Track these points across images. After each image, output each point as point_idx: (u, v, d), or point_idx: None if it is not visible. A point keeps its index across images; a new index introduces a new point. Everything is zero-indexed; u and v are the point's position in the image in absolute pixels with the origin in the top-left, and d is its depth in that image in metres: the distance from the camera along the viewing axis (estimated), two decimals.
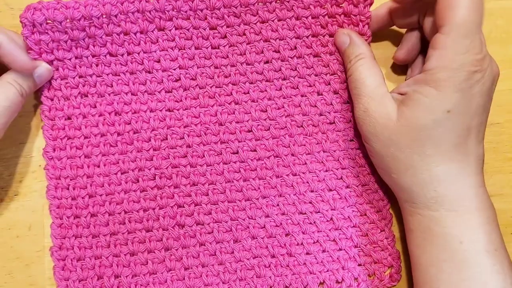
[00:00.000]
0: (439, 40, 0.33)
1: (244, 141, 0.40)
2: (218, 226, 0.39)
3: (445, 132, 0.33)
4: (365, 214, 0.40)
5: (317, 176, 0.40)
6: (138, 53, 0.39)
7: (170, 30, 0.39)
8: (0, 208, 0.39)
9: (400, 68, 0.42)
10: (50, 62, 0.38)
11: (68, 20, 0.37)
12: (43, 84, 0.38)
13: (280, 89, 0.40)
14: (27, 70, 0.37)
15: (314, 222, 0.40)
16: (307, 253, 0.40)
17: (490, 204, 0.35)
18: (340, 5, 0.39)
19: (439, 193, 0.34)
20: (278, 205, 0.40)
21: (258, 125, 0.40)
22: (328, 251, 0.40)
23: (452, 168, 0.34)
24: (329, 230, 0.40)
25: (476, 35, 0.32)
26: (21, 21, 0.36)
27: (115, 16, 0.38)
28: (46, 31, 0.37)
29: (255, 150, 0.40)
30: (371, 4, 0.39)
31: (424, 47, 0.40)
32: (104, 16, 0.37)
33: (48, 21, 0.37)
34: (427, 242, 0.35)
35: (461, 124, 0.33)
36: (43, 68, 0.38)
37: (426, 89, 0.33)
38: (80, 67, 0.39)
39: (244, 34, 0.40)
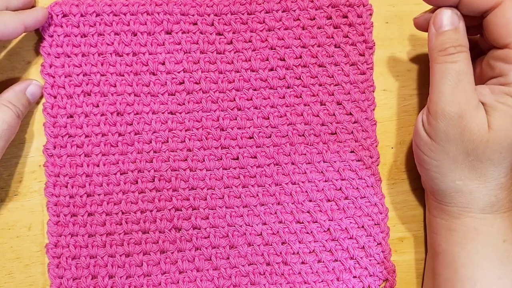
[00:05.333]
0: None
1: (245, 148, 0.40)
2: (215, 231, 0.39)
3: None
4: (363, 227, 0.40)
5: (316, 186, 0.40)
6: (144, 54, 0.39)
7: (177, 33, 0.39)
8: (0, 208, 0.39)
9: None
10: (58, 55, 0.39)
11: (80, 15, 0.39)
12: (35, 101, 0.39)
13: (284, 97, 0.40)
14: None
15: (311, 232, 0.40)
16: (303, 263, 0.40)
17: None
18: (345, 16, 0.40)
19: (498, 199, 0.34)
20: (276, 213, 0.40)
21: (260, 132, 0.40)
22: (323, 262, 0.40)
23: None
24: (326, 240, 0.40)
25: None
26: None
27: (125, 14, 0.38)
28: (61, 24, 0.38)
29: (255, 157, 0.40)
30: (371, 14, 0.40)
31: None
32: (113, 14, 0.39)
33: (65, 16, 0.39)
34: (468, 241, 0.35)
35: None
36: (35, 86, 0.38)
37: None
38: (85, 65, 0.39)
39: (250, 41, 0.40)
